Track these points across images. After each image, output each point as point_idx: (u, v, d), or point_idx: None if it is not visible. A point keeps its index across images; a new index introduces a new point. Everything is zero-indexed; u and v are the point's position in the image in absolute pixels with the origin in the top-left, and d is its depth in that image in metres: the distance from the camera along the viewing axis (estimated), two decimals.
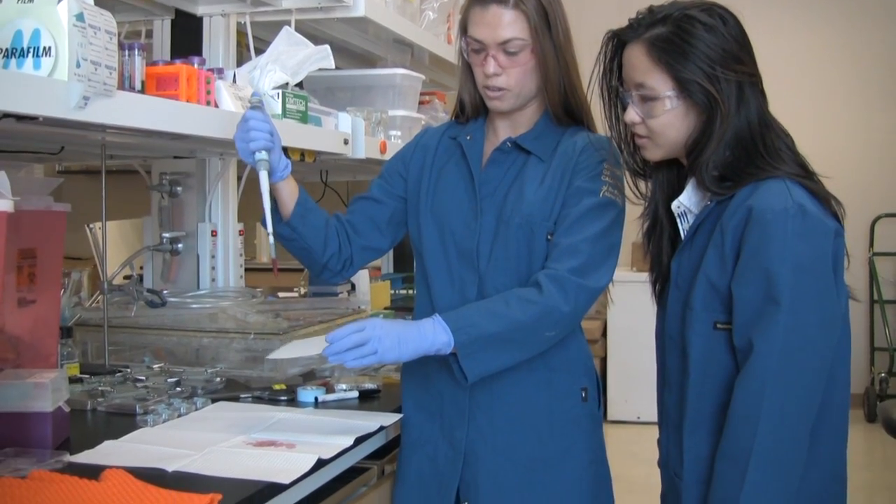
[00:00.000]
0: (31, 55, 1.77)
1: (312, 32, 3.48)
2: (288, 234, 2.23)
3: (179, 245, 3.14)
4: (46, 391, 1.90)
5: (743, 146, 1.89)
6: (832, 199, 1.90)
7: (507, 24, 2.14)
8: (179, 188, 3.16)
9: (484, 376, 2.07)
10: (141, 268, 3.34)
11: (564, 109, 2.24)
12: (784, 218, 1.79)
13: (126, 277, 3.35)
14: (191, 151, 3.08)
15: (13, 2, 1.79)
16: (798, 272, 1.79)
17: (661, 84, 1.90)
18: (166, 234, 3.11)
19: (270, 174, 2.17)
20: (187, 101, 2.23)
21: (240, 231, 3.28)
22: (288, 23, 3.01)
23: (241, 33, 3.20)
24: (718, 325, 1.89)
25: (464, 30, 2.23)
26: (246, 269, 3.36)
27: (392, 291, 4.36)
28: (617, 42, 2.00)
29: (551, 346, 2.14)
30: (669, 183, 2.05)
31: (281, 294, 3.57)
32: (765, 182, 1.86)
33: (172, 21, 3.17)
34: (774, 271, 1.79)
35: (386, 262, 4.80)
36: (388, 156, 3.32)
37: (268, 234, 2.16)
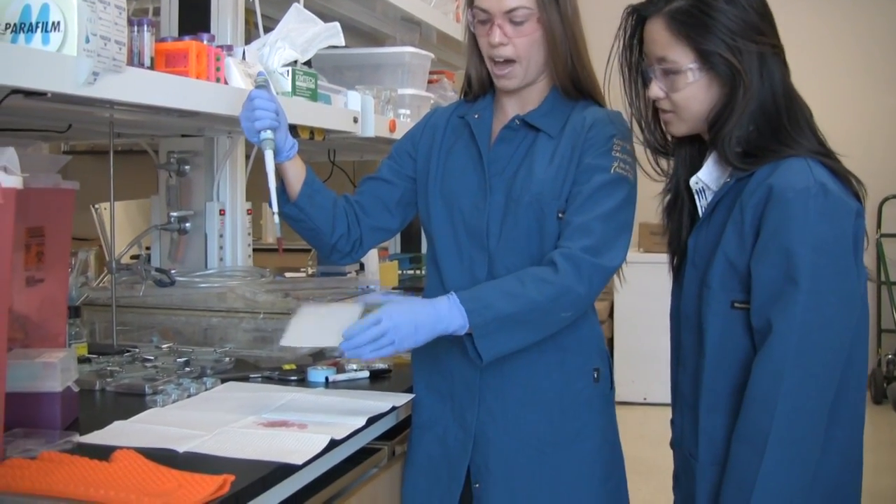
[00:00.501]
0: (39, 30, 1.75)
1: (321, 10, 3.45)
2: (295, 215, 2.21)
3: (187, 224, 3.12)
4: (55, 371, 1.88)
5: (767, 119, 1.87)
6: (853, 177, 1.88)
7: None
8: (187, 167, 3.13)
9: (499, 356, 2.04)
10: (147, 248, 3.32)
11: (573, 83, 2.20)
12: (805, 197, 1.77)
13: (133, 257, 3.34)
14: (199, 129, 3.06)
15: None
16: (818, 252, 1.77)
17: (682, 57, 1.88)
18: (174, 214, 3.09)
19: (276, 154, 2.14)
20: (197, 77, 2.20)
21: (248, 210, 3.26)
22: (297, 0, 2.99)
23: (249, 11, 3.16)
24: (736, 305, 1.87)
25: (470, 2, 2.21)
26: (253, 250, 3.34)
27: (400, 272, 4.33)
28: (636, 17, 1.98)
29: (564, 326, 2.11)
30: (691, 159, 2.03)
31: (288, 274, 3.55)
32: (786, 160, 1.84)
33: None
34: (795, 251, 1.76)
35: (394, 243, 4.78)
36: (397, 135, 3.29)
37: (273, 214, 2.14)
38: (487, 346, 1.99)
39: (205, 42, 2.31)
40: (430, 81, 4.02)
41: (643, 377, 6.71)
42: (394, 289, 3.87)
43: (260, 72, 2.24)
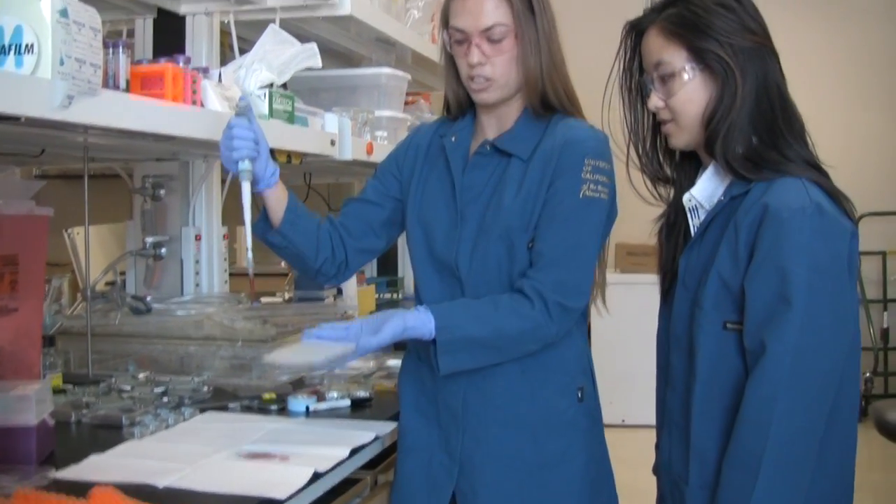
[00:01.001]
0: (12, 52, 1.69)
1: (295, 31, 3.39)
2: (279, 242, 2.18)
3: (163, 250, 3.06)
4: (30, 404, 1.82)
5: (765, 123, 1.87)
6: (844, 197, 1.86)
7: (490, 11, 2.09)
8: (162, 191, 3.07)
9: (456, 371, 2.06)
10: (122, 273, 3.26)
11: (543, 102, 2.17)
12: (801, 216, 1.76)
13: (108, 283, 3.28)
14: (174, 153, 3.00)
15: None
16: (814, 272, 1.75)
17: (676, 58, 1.90)
18: (149, 239, 3.03)
19: (255, 183, 2.11)
20: (173, 101, 2.15)
21: (224, 235, 3.20)
22: (272, 21, 2.95)
23: (224, 32, 3.13)
24: (728, 325, 1.85)
25: (445, 22, 2.18)
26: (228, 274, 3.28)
27: (377, 295, 4.29)
28: (634, 33, 2.00)
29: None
30: (689, 182, 2.02)
31: (264, 300, 3.49)
32: (781, 180, 1.83)
33: (154, 20, 3.09)
34: (790, 270, 1.75)
35: (370, 267, 4.73)
36: (374, 157, 3.25)
37: (247, 250, 2.10)
38: (447, 361, 2.02)
39: (181, 64, 2.27)
40: (406, 103, 3.99)
41: (621, 399, 6.64)
42: (371, 314, 3.83)
43: (241, 96, 2.20)
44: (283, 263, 6.12)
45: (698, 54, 1.88)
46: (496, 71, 2.12)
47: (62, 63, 1.71)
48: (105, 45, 2.06)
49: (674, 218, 2.06)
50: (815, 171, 1.88)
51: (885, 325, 7.23)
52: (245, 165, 2.07)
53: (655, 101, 1.95)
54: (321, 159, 3.05)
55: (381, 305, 4.27)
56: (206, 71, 2.42)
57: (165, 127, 2.08)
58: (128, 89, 2.09)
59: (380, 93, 3.59)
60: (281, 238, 2.16)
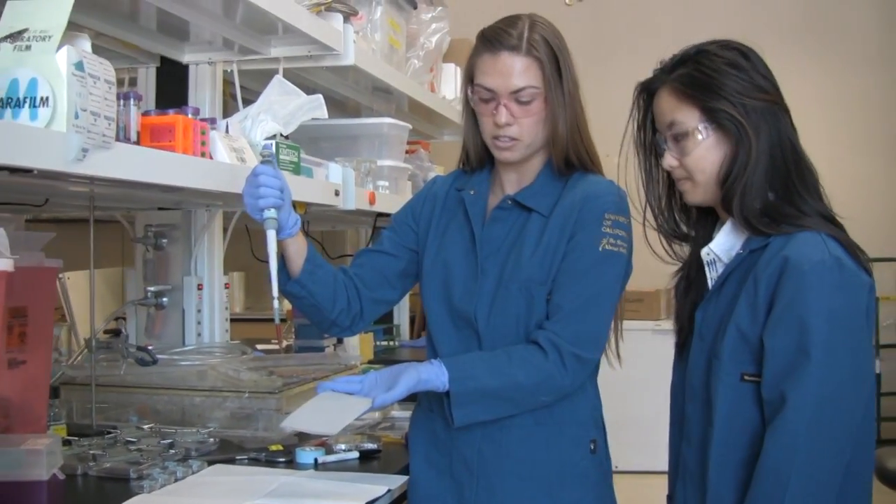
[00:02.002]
0: (27, 105, 1.68)
1: (295, 80, 3.41)
2: (297, 292, 2.16)
3: (164, 299, 3.04)
4: (41, 458, 1.80)
5: (780, 180, 1.88)
6: (860, 250, 1.87)
7: (520, 73, 2.09)
8: (164, 240, 3.07)
9: (470, 423, 2.06)
10: (115, 320, 3.24)
11: (567, 160, 2.18)
12: (821, 269, 1.77)
13: (108, 332, 3.26)
14: (177, 203, 3.00)
15: (9, 49, 1.71)
16: (834, 324, 1.76)
17: (689, 118, 1.91)
18: (151, 288, 3.01)
19: (279, 231, 2.09)
20: (183, 152, 2.15)
21: (226, 284, 3.19)
22: (276, 72, 2.95)
23: (227, 82, 3.13)
24: (746, 377, 1.85)
25: (470, 78, 2.17)
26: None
27: (374, 343, 4.26)
28: (646, 94, 2.01)
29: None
30: (705, 236, 2.03)
31: (261, 346, 3.47)
32: (800, 233, 1.84)
33: (158, 69, 3.09)
34: (810, 322, 1.75)
35: None
36: (376, 207, 3.25)
37: (272, 299, 2.07)
38: (462, 414, 2.02)
39: (189, 115, 2.26)
40: (406, 152, 4.00)
41: (617, 445, 6.59)
42: (368, 363, 3.81)
43: (266, 144, 2.22)
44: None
45: (711, 114, 1.89)
46: (523, 131, 2.13)
47: (77, 116, 1.71)
48: (117, 97, 2.07)
49: (688, 272, 2.06)
50: (832, 224, 1.89)
51: (877, 371, 7.22)
52: (271, 214, 2.06)
53: (670, 161, 1.96)
54: (324, 209, 3.05)
55: (379, 353, 4.24)
56: (213, 122, 2.42)
57: (177, 179, 2.08)
58: (138, 141, 2.09)
59: (381, 142, 3.59)
60: (300, 288, 2.15)
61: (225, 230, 3.24)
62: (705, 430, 1.91)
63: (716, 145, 1.91)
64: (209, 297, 3.11)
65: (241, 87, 3.01)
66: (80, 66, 1.71)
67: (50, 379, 2.17)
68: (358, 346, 3.61)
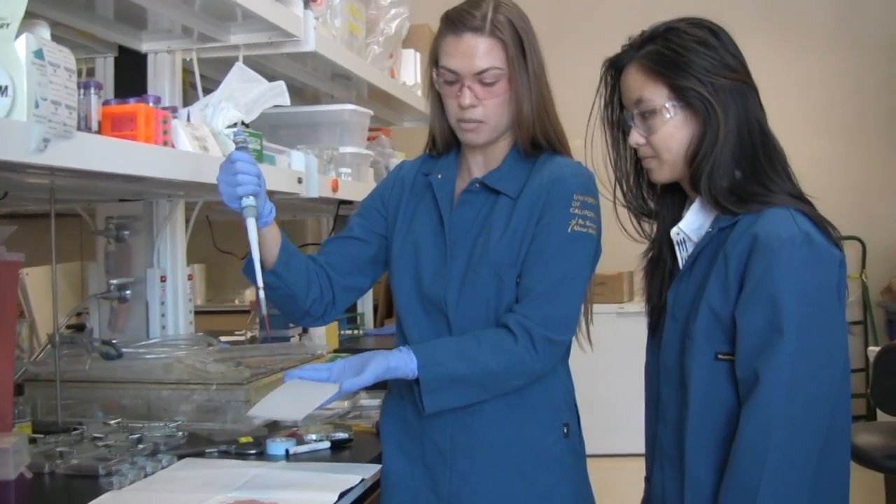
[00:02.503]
0: None
1: (256, 68, 3.36)
2: (272, 283, 2.11)
3: (127, 292, 2.99)
4: (8, 457, 1.76)
5: (747, 159, 1.87)
6: (830, 226, 1.86)
7: (484, 54, 2.07)
8: (126, 232, 3.01)
9: (442, 410, 2.04)
10: (78, 315, 3.19)
11: (533, 141, 2.16)
12: (791, 245, 1.76)
13: (70, 328, 3.20)
14: (138, 194, 2.95)
15: None
16: (805, 301, 1.75)
17: (657, 95, 1.90)
18: (114, 281, 2.96)
19: (256, 220, 2.04)
20: (146, 141, 2.11)
21: (189, 276, 3.14)
22: (235, 59, 2.91)
23: (185, 71, 3.08)
24: (720, 356, 1.84)
25: (435, 60, 2.15)
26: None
27: (339, 332, 4.23)
28: (614, 70, 1.99)
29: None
30: (673, 215, 2.02)
31: (224, 338, 3.43)
32: (769, 210, 1.84)
33: (116, 58, 3.04)
34: (781, 299, 1.75)
35: None
36: (339, 194, 3.22)
37: (258, 289, 2.01)
38: (433, 400, 2.00)
39: (150, 104, 2.22)
40: (368, 139, 3.96)
41: (588, 429, 6.64)
42: (334, 352, 3.78)
43: (237, 130, 2.12)
44: (236, 301, 6.10)
45: (679, 92, 1.88)
46: (487, 113, 2.11)
47: (38, 106, 1.67)
48: (77, 86, 2.02)
49: (658, 252, 2.05)
50: (800, 201, 1.88)
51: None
52: (250, 201, 2.01)
53: (636, 138, 1.95)
54: (287, 197, 3.01)
55: (343, 342, 4.22)
56: (174, 110, 2.38)
57: (140, 168, 2.03)
58: (99, 130, 2.05)
59: (342, 129, 3.55)
60: (275, 279, 2.11)
61: (187, 221, 3.19)
62: (681, 411, 1.91)
63: (683, 123, 1.90)
64: (173, 289, 3.06)
65: (201, 75, 2.96)
66: (39, 54, 1.67)
67: (13, 376, 2.11)
68: (324, 335, 3.57)
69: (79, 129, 1.99)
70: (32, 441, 2.27)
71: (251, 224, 2.02)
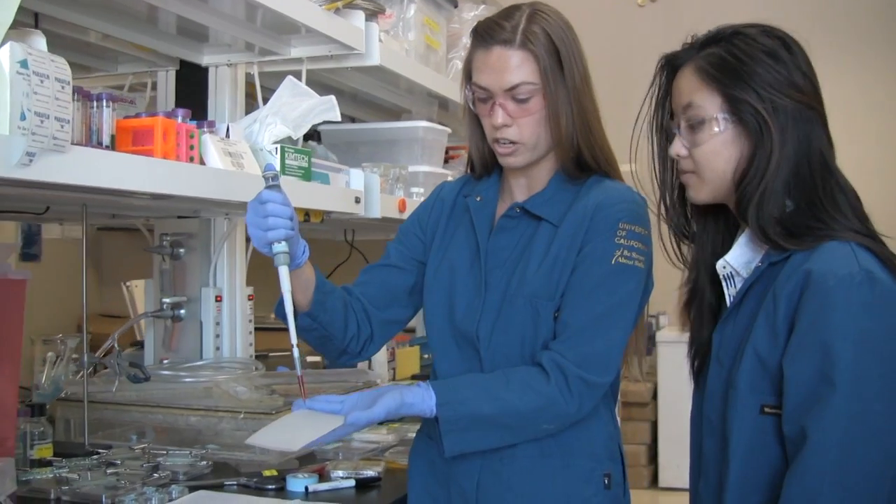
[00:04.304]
0: None
1: (328, 83, 3.28)
2: (308, 325, 1.96)
3: (181, 311, 2.91)
4: None
5: (803, 191, 1.65)
6: None
7: (515, 68, 1.90)
8: (182, 250, 2.93)
9: (465, 453, 1.86)
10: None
11: (578, 164, 1.98)
12: (849, 285, 1.54)
13: (135, 345, 3.15)
14: (194, 211, 2.87)
15: None
16: (863, 349, 1.52)
17: (709, 103, 1.69)
18: (166, 300, 2.89)
19: (290, 264, 1.87)
20: (163, 156, 2.00)
21: (249, 296, 3.05)
22: (299, 72, 2.82)
23: (252, 84, 3.00)
24: (766, 409, 1.62)
25: (468, 77, 1.99)
26: (257, 329, 3.10)
27: (425, 356, 4.02)
28: (669, 71, 1.79)
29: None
30: (714, 242, 1.81)
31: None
32: (826, 244, 1.61)
33: (177, 72, 2.98)
34: (834, 347, 1.52)
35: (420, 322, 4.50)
36: (407, 215, 3.09)
37: (292, 346, 1.84)
38: (453, 441, 1.82)
39: (179, 118, 2.13)
40: (451, 157, 3.83)
41: (673, 462, 6.43)
42: (413, 378, 3.64)
43: (268, 165, 1.92)
44: None
45: (733, 104, 1.67)
46: (523, 133, 1.93)
47: (23, 118, 1.58)
48: (89, 98, 1.94)
49: (696, 284, 1.84)
50: (865, 237, 1.65)
51: None
52: (282, 247, 1.83)
53: (678, 148, 1.74)
54: (348, 217, 2.89)
55: (426, 366, 4.05)
56: (210, 124, 2.27)
57: (149, 185, 1.92)
58: (112, 145, 1.96)
59: (420, 147, 3.43)
60: (311, 321, 1.96)
61: (248, 239, 3.09)
62: (722, 469, 1.69)
63: (733, 141, 1.69)
64: (229, 309, 2.97)
65: (268, 89, 2.87)
66: (24, 63, 1.59)
67: (17, 398, 2.04)
68: (385, 363, 3.44)
69: (90, 143, 1.92)
70: (48, 464, 2.19)
71: (283, 272, 1.84)
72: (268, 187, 1.85)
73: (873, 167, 6.44)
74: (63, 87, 1.67)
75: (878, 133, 6.88)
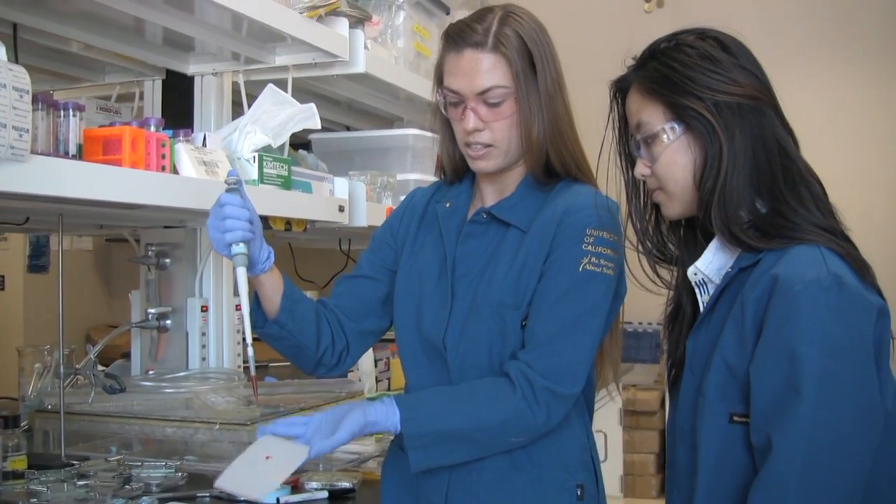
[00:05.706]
0: None
1: (320, 92, 3.27)
2: (276, 333, 1.94)
3: (167, 321, 2.90)
4: None
5: (766, 184, 1.62)
6: (868, 268, 1.60)
7: (486, 71, 1.86)
8: (167, 260, 2.92)
9: (432, 468, 1.83)
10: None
11: (546, 170, 1.95)
12: (816, 290, 1.50)
13: (124, 356, 3.14)
14: (179, 221, 2.86)
15: None
16: (829, 356, 1.48)
17: (655, 117, 1.67)
18: (152, 310, 2.87)
19: (249, 268, 1.86)
20: (132, 166, 1.99)
21: (236, 306, 3.03)
22: (285, 81, 2.80)
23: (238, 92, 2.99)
24: (735, 418, 1.59)
25: (440, 80, 1.96)
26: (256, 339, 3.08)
27: None
28: (621, 96, 1.78)
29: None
30: (693, 259, 1.76)
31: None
32: (795, 248, 1.58)
33: (163, 81, 2.98)
34: (800, 353, 1.48)
35: None
36: None
37: (246, 346, 1.84)
38: (419, 458, 1.79)
39: (151, 126, 2.12)
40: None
41: None
42: None
43: (231, 171, 1.93)
44: None
45: (677, 112, 1.65)
46: (495, 137, 1.90)
47: None
48: (56, 107, 1.93)
49: (678, 299, 1.81)
50: (832, 235, 1.61)
51: None
52: (240, 249, 1.83)
53: (641, 168, 1.72)
54: (333, 226, 2.87)
55: None
56: (186, 133, 2.26)
57: (114, 194, 1.91)
58: (79, 154, 1.94)
59: (411, 154, 3.41)
60: (279, 329, 1.94)
61: None
62: (693, 478, 1.65)
63: (686, 148, 1.66)
64: (216, 320, 2.96)
65: (254, 97, 2.86)
66: None
67: None
68: (372, 373, 3.40)
69: (57, 153, 1.91)
70: (21, 476, 2.17)
71: (241, 273, 1.84)
72: (227, 191, 1.85)
73: (874, 167, 6.37)
74: (21, 97, 1.66)
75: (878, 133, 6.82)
